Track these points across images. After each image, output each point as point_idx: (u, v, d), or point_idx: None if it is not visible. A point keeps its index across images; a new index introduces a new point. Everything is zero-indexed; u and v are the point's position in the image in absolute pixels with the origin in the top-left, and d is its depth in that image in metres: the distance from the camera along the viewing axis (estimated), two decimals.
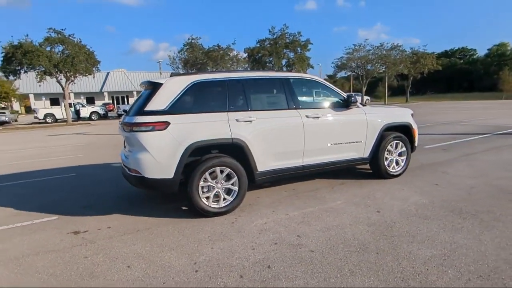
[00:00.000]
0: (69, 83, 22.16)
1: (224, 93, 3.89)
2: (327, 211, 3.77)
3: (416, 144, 5.29)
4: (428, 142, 8.31)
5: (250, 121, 3.88)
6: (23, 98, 47.33)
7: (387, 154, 4.93)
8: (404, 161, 5.09)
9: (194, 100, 3.79)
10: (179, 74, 3.86)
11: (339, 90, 4.67)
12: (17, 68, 20.08)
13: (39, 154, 9.59)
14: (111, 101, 45.66)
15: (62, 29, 20.13)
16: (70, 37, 20.75)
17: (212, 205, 3.74)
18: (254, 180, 3.99)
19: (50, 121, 25.98)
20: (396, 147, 4.99)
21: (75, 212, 4.17)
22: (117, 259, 2.89)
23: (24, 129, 21.09)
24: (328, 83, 4.68)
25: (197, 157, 3.72)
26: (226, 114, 3.80)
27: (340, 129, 4.51)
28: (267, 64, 29.11)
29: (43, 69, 20.57)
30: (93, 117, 28.11)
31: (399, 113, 5.19)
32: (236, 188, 3.85)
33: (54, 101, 44.56)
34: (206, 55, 24.12)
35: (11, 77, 21.30)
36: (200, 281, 2.46)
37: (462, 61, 71.42)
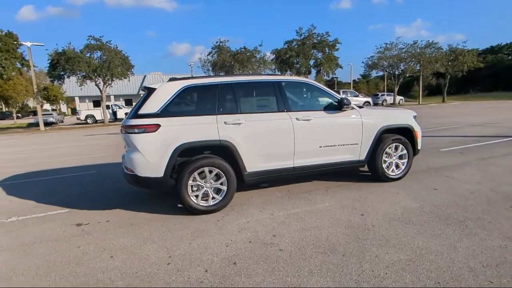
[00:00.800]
0: (106, 86, 23.62)
1: (215, 96, 4.05)
2: (312, 213, 3.80)
3: (419, 147, 5.11)
4: (447, 144, 7.92)
5: (239, 123, 4.01)
6: (70, 100, 51.06)
7: (386, 157, 4.82)
8: (405, 164, 4.95)
9: (185, 104, 4.00)
10: (175, 79, 4.08)
11: (334, 93, 4.66)
12: (61, 73, 21.77)
13: (71, 152, 10.40)
14: None
15: (100, 36, 21.59)
16: (108, 44, 22.13)
17: (201, 203, 3.92)
18: (243, 180, 4.12)
19: (90, 122, 27.84)
20: (396, 150, 4.87)
21: (85, 206, 4.53)
22: (104, 249, 3.15)
23: (67, 129, 22.81)
24: (322, 86, 4.68)
25: (189, 158, 3.92)
26: (215, 117, 3.96)
27: (333, 132, 4.49)
28: (294, 65, 29.01)
29: (84, 73, 22.13)
30: None
31: (399, 115, 5.05)
32: (224, 187, 4.00)
33: (96, 103, 47.52)
34: (233, 58, 24.58)
35: (56, 82, 23.13)
36: (168, 273, 2.63)
37: (510, 57, 65.96)
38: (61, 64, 20.67)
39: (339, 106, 4.47)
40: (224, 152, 3.99)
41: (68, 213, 4.32)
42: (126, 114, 29.48)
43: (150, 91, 3.95)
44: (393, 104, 34.74)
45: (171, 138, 3.75)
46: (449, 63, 34.93)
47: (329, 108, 4.53)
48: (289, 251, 2.89)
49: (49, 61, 21.17)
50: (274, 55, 29.21)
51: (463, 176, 4.97)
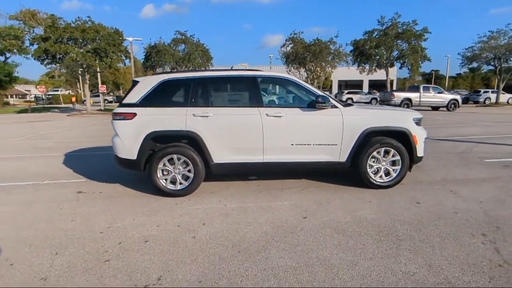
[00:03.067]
0: None
1: (188, 90, 4.30)
2: (261, 209, 3.78)
3: (419, 154, 4.44)
4: (501, 155, 6.56)
5: (207, 116, 4.18)
6: None
7: (373, 161, 4.37)
8: (397, 172, 4.39)
9: (161, 96, 4.34)
10: (159, 73, 4.45)
11: (315, 90, 4.40)
12: (153, 64, 24.81)
13: None
14: None
15: (185, 31, 23.76)
16: (191, 38, 24.20)
17: (168, 187, 4.26)
18: (210, 170, 4.30)
19: None
20: (386, 155, 4.37)
21: (100, 179, 5.33)
22: (75, 214, 3.77)
23: None
24: (302, 82, 4.46)
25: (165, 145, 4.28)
26: (186, 109, 4.21)
27: (307, 130, 4.28)
28: (373, 57, 26.77)
29: (170, 64, 24.75)
30: None
31: (392, 116, 4.47)
32: (191, 175, 4.26)
33: None
34: (306, 49, 24.02)
35: (148, 72, 26.45)
36: (93, 241, 3.05)
37: None
38: (152, 56, 23.55)
39: (313, 104, 4.22)
40: (192, 142, 4.23)
41: (83, 182, 5.17)
42: None
43: (134, 83, 4.42)
44: (496, 104, 29.24)
45: (144, 126, 4.17)
46: None
47: (305, 105, 4.32)
48: (199, 240, 3.02)
49: (144, 53, 24.37)
50: (352, 47, 27.48)
51: (470, 193, 4.17)
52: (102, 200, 4.23)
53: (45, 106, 38.93)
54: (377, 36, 26.82)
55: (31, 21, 37.21)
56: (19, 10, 35.32)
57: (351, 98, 30.53)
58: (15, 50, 35.79)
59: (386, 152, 4.36)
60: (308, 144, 4.30)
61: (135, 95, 4.31)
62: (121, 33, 25.11)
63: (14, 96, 66.40)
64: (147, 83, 4.35)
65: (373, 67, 27.51)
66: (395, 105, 20.39)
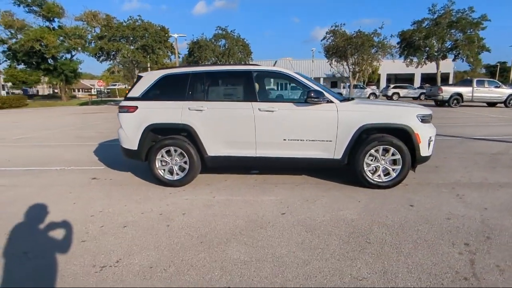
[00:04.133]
0: None
1: (185, 84, 4.42)
2: (245, 203, 3.80)
3: (424, 154, 4.08)
4: None
5: (201, 110, 4.28)
6: None
7: (371, 160, 4.13)
8: (397, 172, 4.09)
9: (161, 90, 4.53)
10: (161, 68, 4.63)
11: (310, 84, 4.24)
12: (195, 60, 25.68)
13: None
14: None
15: (225, 26, 24.17)
16: (231, 33, 24.57)
17: (166, 177, 4.46)
18: (205, 163, 4.41)
19: None
20: (385, 153, 4.09)
21: (117, 167, 5.74)
22: (79, 198, 4.14)
23: None
24: (298, 77, 4.32)
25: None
26: (182, 102, 4.35)
27: (300, 125, 4.16)
28: (422, 48, 24.70)
29: (212, 60, 25.40)
30: None
31: (393, 112, 4.14)
32: (187, 166, 4.41)
33: None
34: (348, 42, 22.91)
35: None
36: (81, 222, 3.33)
37: None
38: (195, 52, 24.41)
39: (306, 99, 4.08)
40: (188, 135, 4.37)
41: (101, 169, 5.61)
42: None
43: (138, 78, 4.67)
44: None
45: (144, 118, 4.39)
46: None
47: (298, 100, 4.20)
48: (171, 228, 3.14)
49: (187, 49, 25.38)
50: (399, 38, 25.61)
51: (477, 199, 3.75)
52: (109, 187, 4.57)
53: (103, 99, 42.46)
54: (427, 26, 24.69)
55: (92, 21, 40.53)
56: (83, 12, 38.62)
57: (398, 93, 28.65)
58: (79, 48, 39.29)
59: (386, 151, 4.09)
60: (301, 140, 4.19)
61: (138, 89, 4.55)
62: (167, 30, 26.38)
63: (80, 90, 73.57)
64: (149, 78, 4.57)
65: (422, 60, 25.45)
66: (442, 101, 18.75)
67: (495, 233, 2.85)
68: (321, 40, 24.70)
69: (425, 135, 4.05)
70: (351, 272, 2.31)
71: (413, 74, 44.69)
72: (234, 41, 24.09)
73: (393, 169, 4.11)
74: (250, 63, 27.78)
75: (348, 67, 24.83)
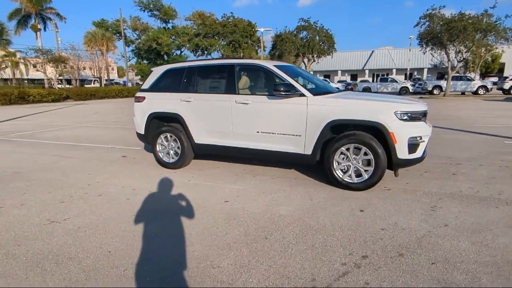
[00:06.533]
0: (312, 62, 25.96)
1: (181, 78, 4.87)
2: (209, 187, 4.07)
3: (403, 157, 3.54)
4: None
5: (189, 101, 4.67)
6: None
7: (343, 158, 3.82)
8: (369, 174, 3.68)
9: (163, 83, 5.08)
10: (169, 63, 5.19)
11: (286, 78, 4.10)
12: (277, 53, 26.13)
13: None
14: (362, 79, 46.52)
15: (308, 18, 23.70)
16: (314, 24, 23.96)
17: (164, 159, 5.06)
18: (193, 150, 4.81)
19: None
20: (357, 152, 3.72)
21: (148, 148, 6.67)
22: (97, 170, 5.09)
23: None
24: (276, 70, 4.20)
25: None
26: (176, 94, 4.82)
27: (271, 118, 4.12)
28: None
29: (296, 52, 25.38)
30: None
31: (366, 107, 3.66)
32: (179, 151, 4.89)
33: (326, 77, 51.43)
34: (448, 26, 19.27)
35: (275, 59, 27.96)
36: (78, 188, 4.18)
37: None
38: (277, 45, 24.81)
39: (275, 92, 3.99)
40: (180, 123, 4.83)
41: (137, 150, 6.61)
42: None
43: (150, 72, 5.34)
44: None
45: (148, 107, 5.05)
46: None
47: (271, 93, 4.14)
48: (127, 202, 3.66)
49: (271, 43, 25.96)
50: None
51: (451, 214, 3.09)
52: (127, 164, 5.43)
53: None
54: None
55: (198, 20, 44.99)
56: (191, 12, 43.25)
57: None
58: (187, 45, 44.34)
59: (357, 149, 3.72)
60: (272, 133, 4.17)
61: (148, 82, 5.23)
62: (254, 25, 27.44)
63: None
64: (156, 72, 5.19)
65: None
66: None
67: (417, 252, 2.41)
68: (414, 26, 21.66)
69: (403, 134, 3.52)
70: (212, 260, 2.39)
71: None
72: (316, 32, 23.46)
73: (366, 170, 3.72)
74: (334, 54, 26.59)
75: (447, 56, 21.19)
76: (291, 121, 4.02)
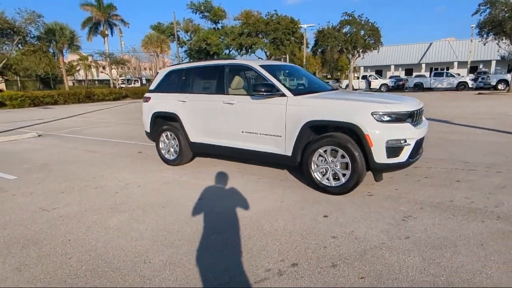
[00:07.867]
0: (356, 57, 24.72)
1: (180, 79, 5.06)
2: (192, 185, 4.19)
3: (381, 161, 3.25)
4: None
5: (184, 101, 4.84)
6: (357, 69, 55.93)
7: (321, 161, 3.64)
8: (346, 177, 3.45)
9: (166, 84, 5.31)
10: (173, 65, 5.39)
11: (269, 78, 4.00)
12: (319, 49, 25.40)
13: None
14: (419, 74, 42.75)
15: (352, 12, 22.55)
16: (359, 18, 22.73)
17: (165, 156, 5.32)
18: (191, 148, 4.98)
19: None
20: (334, 155, 3.52)
21: None
22: (112, 163, 5.55)
23: None
24: (261, 70, 4.10)
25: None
26: (174, 95, 5.03)
27: (253, 118, 4.08)
28: None
29: (339, 47, 24.40)
30: (382, 89, 29.29)
31: (341, 107, 3.42)
32: (178, 149, 5.10)
33: (378, 72, 48.52)
34: (511, 13, 16.60)
35: (318, 55, 27.17)
36: (83, 179, 4.61)
37: None
38: (319, 41, 24.09)
39: (254, 91, 3.93)
40: (178, 122, 5.02)
41: (154, 147, 7.04)
42: (382, 85, 29.52)
43: (157, 73, 5.62)
44: None
45: (153, 107, 5.34)
46: None
47: (252, 93, 4.09)
48: (118, 193, 3.95)
49: (314, 39, 25.29)
50: None
51: (421, 225, 2.77)
52: (138, 160, 5.82)
53: None
54: None
55: (246, 20, 45.57)
56: (239, 12, 43.91)
57: None
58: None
59: (335, 151, 3.51)
60: (255, 133, 4.13)
61: (154, 83, 5.53)
62: (297, 22, 26.99)
63: None
64: (161, 73, 5.46)
65: None
66: None
67: (353, 265, 2.23)
68: (472, 15, 19.14)
69: (380, 137, 3.23)
70: (137, 249, 2.49)
71: None
72: (360, 26, 22.20)
73: (343, 174, 3.50)
74: (383, 48, 24.91)
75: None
76: (272, 121, 3.95)
